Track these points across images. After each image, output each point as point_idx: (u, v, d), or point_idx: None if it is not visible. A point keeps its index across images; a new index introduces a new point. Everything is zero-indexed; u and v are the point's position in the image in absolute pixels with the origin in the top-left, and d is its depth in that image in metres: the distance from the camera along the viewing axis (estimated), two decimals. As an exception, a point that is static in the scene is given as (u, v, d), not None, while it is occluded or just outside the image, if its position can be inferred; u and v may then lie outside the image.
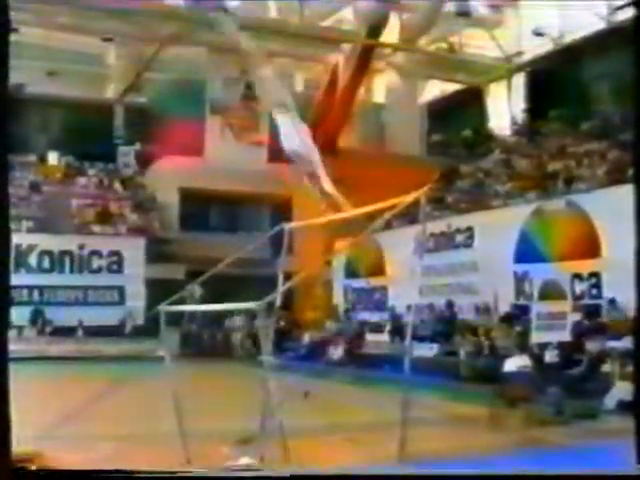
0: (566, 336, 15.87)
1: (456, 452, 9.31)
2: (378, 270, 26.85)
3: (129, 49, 36.27)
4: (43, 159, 35.48)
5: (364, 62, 30.86)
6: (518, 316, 19.09)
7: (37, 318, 28.22)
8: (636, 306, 6.19)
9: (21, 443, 8.52)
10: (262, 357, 8.16)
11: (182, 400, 8.65)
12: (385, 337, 23.56)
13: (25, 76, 35.56)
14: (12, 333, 27.27)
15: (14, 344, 26.79)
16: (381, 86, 38.27)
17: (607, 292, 17.84)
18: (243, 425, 9.42)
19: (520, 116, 33.73)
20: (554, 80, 30.87)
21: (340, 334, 25.57)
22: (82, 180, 34.68)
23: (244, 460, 8.42)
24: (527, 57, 34.12)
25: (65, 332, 27.95)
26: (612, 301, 17.27)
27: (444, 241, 23.79)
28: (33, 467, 7.97)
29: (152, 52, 33.42)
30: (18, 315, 27.91)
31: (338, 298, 29.20)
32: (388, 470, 6.32)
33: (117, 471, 5.43)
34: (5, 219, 5.26)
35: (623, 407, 12.10)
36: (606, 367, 14.79)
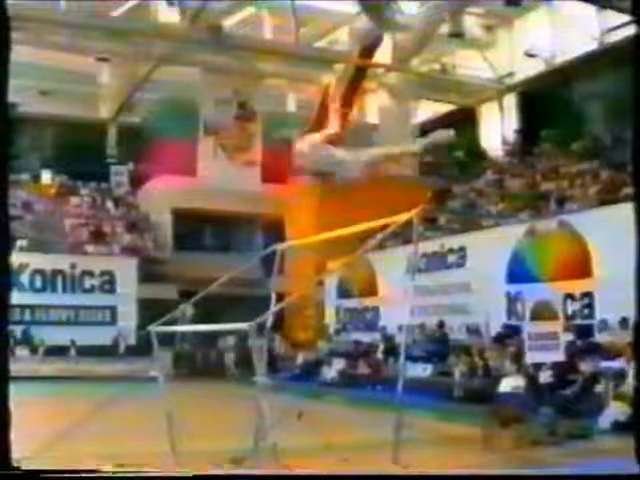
0: (559, 356, 15.86)
1: (449, 472, 9.29)
2: (370, 290, 26.84)
3: (122, 69, 36.31)
4: (36, 178, 35.47)
5: (356, 82, 30.87)
6: (511, 336, 19.08)
7: (29, 338, 28.13)
8: (636, 311, 6.20)
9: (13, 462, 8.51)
10: (255, 377, 8.14)
11: (175, 420, 8.63)
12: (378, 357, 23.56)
13: (18, 95, 35.60)
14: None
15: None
16: (373, 106, 38.35)
17: (600, 312, 17.87)
18: (236, 445, 9.39)
19: (512, 136, 33.84)
20: (546, 101, 30.99)
21: (333, 354, 25.56)
22: (75, 199, 34.66)
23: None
24: (519, 78, 34.23)
25: (58, 352, 27.85)
26: (604, 321, 17.31)
27: (437, 261, 23.81)
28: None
29: (145, 72, 33.49)
30: (9, 334, 27.89)
31: (330, 318, 29.17)
32: (389, 470, 6.30)
33: (115, 472, 5.41)
34: (6, 235, 5.25)
35: (617, 427, 12.11)
36: (600, 387, 14.79)
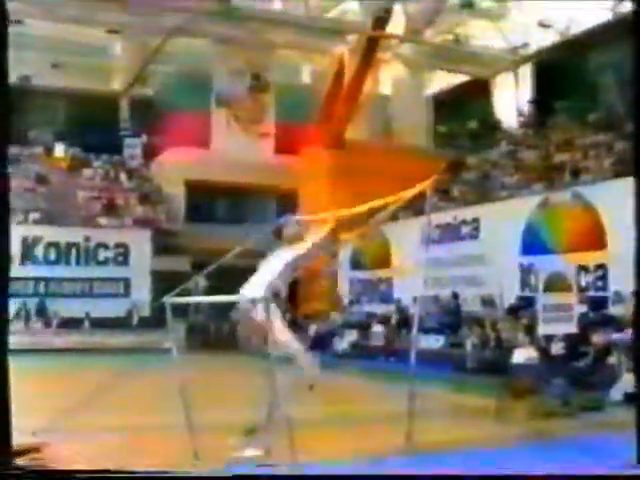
0: (572, 328, 15.82)
1: (462, 444, 9.31)
2: (384, 262, 26.83)
3: (134, 41, 36.25)
4: (49, 151, 35.52)
5: (370, 54, 30.83)
6: (524, 308, 19.06)
7: (44, 310, 28.28)
8: (635, 299, 6.19)
9: (25, 435, 8.58)
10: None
11: (188, 392, 8.65)
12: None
13: (30, 68, 35.62)
14: (19, 325, 27.40)
15: (21, 336, 26.95)
16: (387, 78, 38.21)
17: (613, 284, 17.83)
18: (249, 417, 9.42)
19: (526, 108, 33.65)
20: (560, 72, 30.78)
21: (346, 326, 25.61)
22: (88, 172, 34.70)
23: (250, 452, 8.42)
24: (533, 49, 34.01)
25: (72, 324, 28.00)
26: (617, 293, 17.28)
27: (450, 233, 23.76)
28: (36, 457, 8.00)
29: (157, 44, 33.40)
30: (24, 307, 28.09)
31: (343, 290, 29.20)
32: (389, 470, 6.31)
33: (117, 471, 5.43)
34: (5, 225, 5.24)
35: (629, 399, 12.10)
36: (612, 359, 14.78)
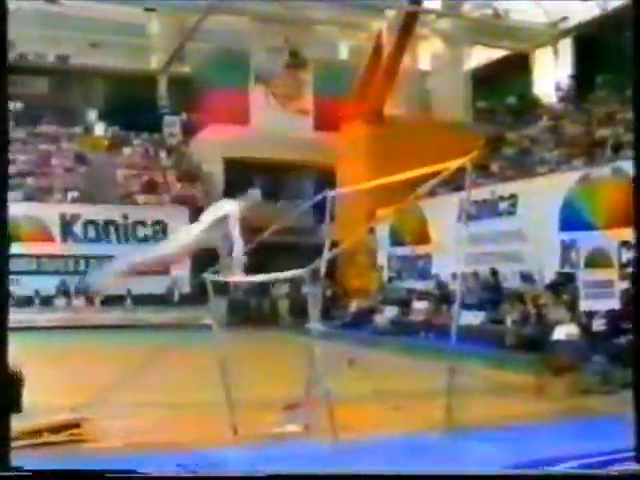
0: (614, 304, 15.72)
1: (501, 420, 9.31)
2: (422, 238, 26.76)
3: (171, 19, 36.30)
4: (89, 130, 35.78)
5: (408, 29, 30.65)
6: (565, 284, 18.95)
7: (83, 287, 28.56)
8: (634, 298, 6.12)
9: (68, 410, 8.70)
10: (309, 324, 8.19)
11: (229, 368, 8.71)
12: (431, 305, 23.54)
13: (68, 48, 35.84)
14: (61, 302, 27.75)
15: (63, 313, 27.31)
16: (426, 53, 37.98)
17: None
18: (289, 393, 9.47)
19: (567, 82, 33.28)
20: (601, 45, 30.39)
21: (385, 302, 25.63)
22: (127, 150, 34.91)
23: (290, 427, 8.48)
24: (573, 22, 33.60)
25: (114, 301, 28.27)
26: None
27: (487, 208, 23.62)
28: (74, 433, 8.08)
29: (195, 22, 33.41)
30: (65, 284, 28.41)
31: (383, 266, 29.18)
32: (390, 470, 6.31)
33: (118, 471, 5.48)
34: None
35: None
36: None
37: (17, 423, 8.08)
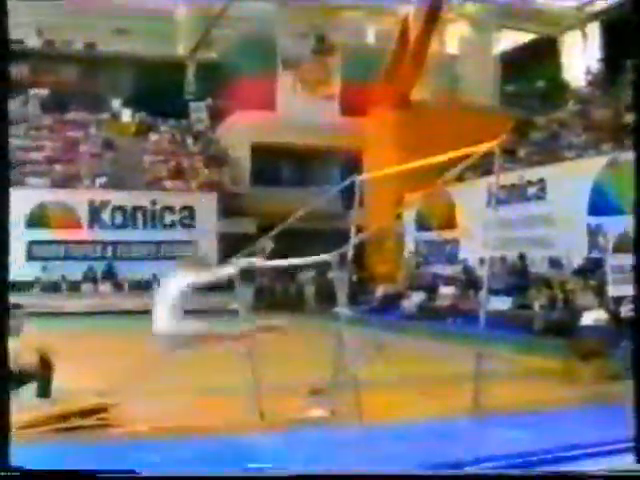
0: (643, 290, 15.59)
1: (528, 405, 9.28)
2: (450, 223, 26.68)
3: (198, 5, 36.33)
4: (116, 117, 35.92)
5: (435, 13, 30.49)
6: (592, 269, 18.83)
7: (112, 273, 28.73)
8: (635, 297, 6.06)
9: (97, 395, 8.75)
10: (337, 309, 8.20)
11: (255, 353, 8.73)
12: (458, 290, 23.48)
13: (95, 34, 35.97)
14: (88, 288, 27.94)
15: (91, 299, 27.46)
16: (454, 37, 37.81)
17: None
18: (316, 378, 9.48)
19: (595, 66, 33.02)
20: (630, 29, 30.03)
21: (412, 287, 25.58)
22: (155, 136, 35.01)
23: (316, 412, 8.50)
24: (601, 5, 33.30)
25: (141, 286, 28.39)
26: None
27: (515, 193, 23.50)
28: (101, 417, 8.13)
29: (221, 7, 33.42)
30: (93, 270, 28.60)
31: (410, 251, 29.12)
32: (390, 470, 6.30)
33: (118, 471, 5.49)
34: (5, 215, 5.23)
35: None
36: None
37: (46, 407, 8.19)
